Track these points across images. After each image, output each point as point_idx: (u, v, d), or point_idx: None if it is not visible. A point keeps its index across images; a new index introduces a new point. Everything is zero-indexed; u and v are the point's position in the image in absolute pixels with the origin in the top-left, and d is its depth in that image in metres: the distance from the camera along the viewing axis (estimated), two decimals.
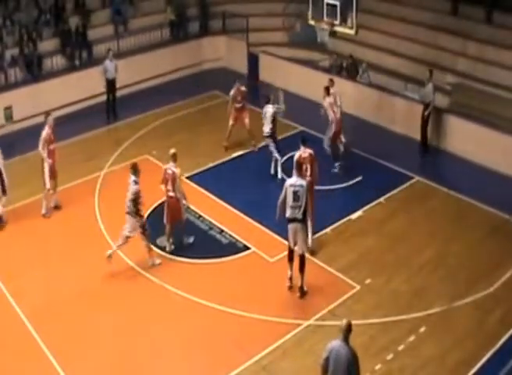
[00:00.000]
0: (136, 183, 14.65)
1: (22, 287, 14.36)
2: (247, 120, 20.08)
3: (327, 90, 18.81)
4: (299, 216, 13.70)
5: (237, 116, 20.11)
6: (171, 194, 15.37)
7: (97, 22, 25.58)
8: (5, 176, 16.55)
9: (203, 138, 20.69)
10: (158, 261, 15.08)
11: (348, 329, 9.96)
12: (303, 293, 14.00)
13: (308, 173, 15.34)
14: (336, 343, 9.98)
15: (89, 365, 12.33)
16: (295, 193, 13.58)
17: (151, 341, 12.83)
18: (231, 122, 20.14)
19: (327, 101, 18.79)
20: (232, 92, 20.15)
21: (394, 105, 21.70)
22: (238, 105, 20.11)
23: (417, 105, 21.01)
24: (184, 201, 15.52)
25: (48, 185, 16.84)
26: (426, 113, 19.95)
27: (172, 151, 15.44)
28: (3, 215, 16.65)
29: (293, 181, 13.71)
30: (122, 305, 13.85)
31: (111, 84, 22.20)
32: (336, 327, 12.92)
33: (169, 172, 15.29)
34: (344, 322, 10.00)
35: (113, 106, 22.47)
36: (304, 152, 15.45)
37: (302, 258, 13.94)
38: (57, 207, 17.29)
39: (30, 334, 12.99)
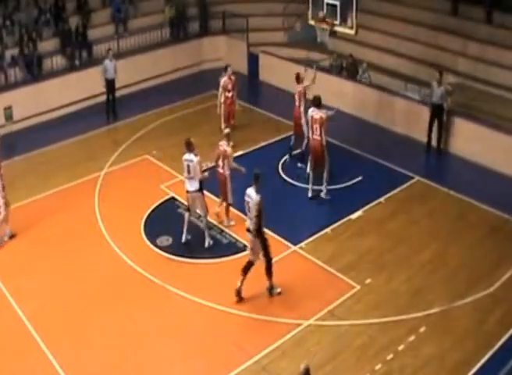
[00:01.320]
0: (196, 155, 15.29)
1: (22, 287, 14.35)
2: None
3: (297, 77, 19.04)
4: (251, 226, 13.65)
5: (228, 106, 20.01)
6: (220, 170, 16.26)
7: (98, 22, 25.57)
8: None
9: (202, 138, 20.55)
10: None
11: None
12: (272, 293, 13.97)
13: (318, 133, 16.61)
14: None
15: (88, 365, 12.32)
16: (247, 203, 13.62)
17: (151, 341, 12.83)
18: (220, 111, 20.19)
19: (297, 89, 19.11)
20: (221, 80, 20.03)
21: (394, 105, 21.66)
22: (228, 95, 19.95)
23: (417, 105, 21.05)
24: (243, 169, 15.99)
25: None
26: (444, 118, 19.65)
27: (226, 131, 16.64)
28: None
29: (247, 191, 13.65)
30: (123, 306, 13.84)
31: (110, 84, 22.18)
32: (336, 327, 13.14)
33: (221, 149, 16.10)
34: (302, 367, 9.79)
35: (113, 106, 22.47)
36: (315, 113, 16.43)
37: (267, 264, 13.85)
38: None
39: (30, 334, 12.98)
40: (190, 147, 15.27)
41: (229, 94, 20.04)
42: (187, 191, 15.57)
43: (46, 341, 12.77)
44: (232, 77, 20.11)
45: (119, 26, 25.76)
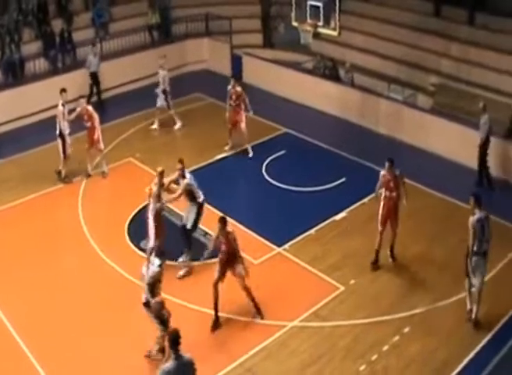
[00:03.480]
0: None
1: (4, 291, 14.27)
2: (243, 125, 19.71)
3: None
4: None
5: (233, 117, 19.72)
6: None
7: (80, 25, 25.50)
8: None
9: (186, 140, 20.66)
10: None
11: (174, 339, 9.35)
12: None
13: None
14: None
15: (73, 369, 12.26)
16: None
17: (135, 343, 12.77)
18: (229, 126, 19.89)
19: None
20: (228, 89, 19.85)
21: (378, 106, 21.72)
22: (233, 104, 19.68)
23: (400, 105, 21.13)
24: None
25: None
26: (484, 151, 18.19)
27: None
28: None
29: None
30: (106, 308, 13.78)
31: (93, 77, 22.79)
32: (321, 329, 13.13)
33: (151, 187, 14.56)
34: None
35: (98, 98, 23.06)
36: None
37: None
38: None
39: (13, 339, 12.90)
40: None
41: (234, 104, 19.69)
42: None
43: (29, 345, 12.69)
44: (237, 88, 19.74)
45: (100, 29, 25.69)
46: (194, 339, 12.83)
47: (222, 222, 12.95)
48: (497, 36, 22.03)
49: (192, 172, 18.82)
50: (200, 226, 16.08)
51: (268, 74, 24.83)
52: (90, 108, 18.54)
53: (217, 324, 13.24)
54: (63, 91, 18.40)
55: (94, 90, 23.14)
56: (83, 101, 18.66)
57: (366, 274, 14.72)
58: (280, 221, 16.79)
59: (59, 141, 18.37)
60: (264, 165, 19.16)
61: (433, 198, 17.70)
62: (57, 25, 24.46)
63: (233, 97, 19.42)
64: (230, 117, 19.67)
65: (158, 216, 14.26)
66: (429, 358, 12.34)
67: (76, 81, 22.66)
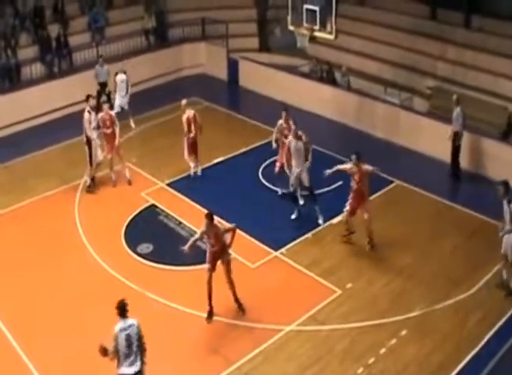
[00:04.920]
0: None
1: (1, 295, 14.25)
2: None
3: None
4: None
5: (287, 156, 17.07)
6: None
7: (76, 29, 25.54)
8: None
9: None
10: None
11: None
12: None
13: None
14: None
15: (68, 371, 12.31)
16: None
17: None
18: (283, 162, 17.46)
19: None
20: (279, 123, 17.50)
21: (374, 109, 21.74)
22: (283, 140, 17.19)
23: (396, 109, 21.16)
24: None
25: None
26: (457, 144, 18.64)
27: None
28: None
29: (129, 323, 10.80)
30: (102, 313, 13.69)
31: (101, 87, 22.73)
32: (318, 332, 13.13)
33: None
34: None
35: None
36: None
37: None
38: None
39: (8, 342, 12.91)
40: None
41: (284, 139, 17.15)
42: None
43: (25, 349, 12.69)
44: (291, 122, 17.06)
45: (96, 34, 25.71)
46: (192, 343, 12.90)
47: (209, 218, 13.10)
48: (493, 39, 22.10)
49: (189, 175, 18.99)
50: (197, 230, 16.15)
51: (265, 78, 24.86)
52: (112, 113, 18.46)
53: (211, 315, 13.51)
54: (89, 96, 18.27)
55: (104, 98, 22.35)
56: (106, 106, 18.43)
57: (363, 278, 14.72)
58: (277, 225, 16.78)
59: (86, 149, 18.15)
60: (261, 169, 19.15)
61: (428, 201, 17.71)
62: (53, 30, 24.45)
63: (285, 131, 16.95)
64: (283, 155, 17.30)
65: None
66: (426, 362, 12.35)
67: (72, 86, 22.68)
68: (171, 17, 27.77)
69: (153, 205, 17.52)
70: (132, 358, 10.70)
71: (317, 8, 19.43)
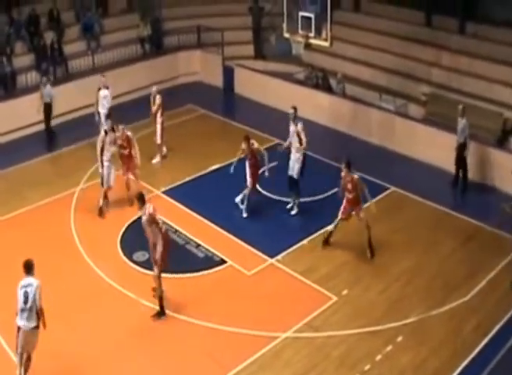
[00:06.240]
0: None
1: None
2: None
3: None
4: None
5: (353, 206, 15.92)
6: None
7: (71, 37, 25.58)
8: None
9: (178, 152, 20.64)
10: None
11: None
12: None
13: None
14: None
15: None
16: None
17: (126, 356, 12.76)
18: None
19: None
20: (342, 175, 15.76)
21: (369, 115, 21.79)
22: (349, 196, 15.65)
23: (392, 115, 21.21)
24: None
25: None
26: (465, 155, 18.42)
27: None
28: None
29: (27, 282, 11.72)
30: (98, 321, 13.74)
31: (47, 108, 21.45)
32: (314, 339, 13.12)
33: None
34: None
35: (48, 131, 21.88)
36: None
37: None
38: None
39: (3, 349, 12.91)
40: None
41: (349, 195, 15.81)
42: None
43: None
44: (355, 177, 15.67)
45: (92, 41, 25.72)
46: (187, 350, 12.88)
47: (247, 139, 16.97)
48: (487, 45, 22.18)
49: (185, 183, 19.02)
50: (193, 237, 16.21)
51: (260, 85, 24.90)
52: (129, 134, 17.75)
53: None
54: (109, 116, 18.16)
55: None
56: (122, 127, 17.73)
57: (359, 284, 14.73)
58: (273, 232, 16.80)
59: (100, 169, 17.70)
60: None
61: (424, 207, 17.73)
62: (49, 37, 24.42)
63: (349, 186, 15.60)
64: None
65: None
66: (421, 368, 12.34)
67: (67, 94, 22.65)
68: (166, 25, 27.81)
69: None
70: (26, 314, 11.52)
71: (312, 16, 19.44)
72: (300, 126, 17.08)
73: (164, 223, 14.05)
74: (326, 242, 16.05)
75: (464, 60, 22.45)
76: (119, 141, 17.67)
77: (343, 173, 15.50)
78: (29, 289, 11.61)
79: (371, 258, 15.61)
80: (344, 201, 15.62)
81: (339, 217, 15.71)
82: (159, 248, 13.34)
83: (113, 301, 14.33)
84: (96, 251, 15.92)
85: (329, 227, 16.03)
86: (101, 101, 21.02)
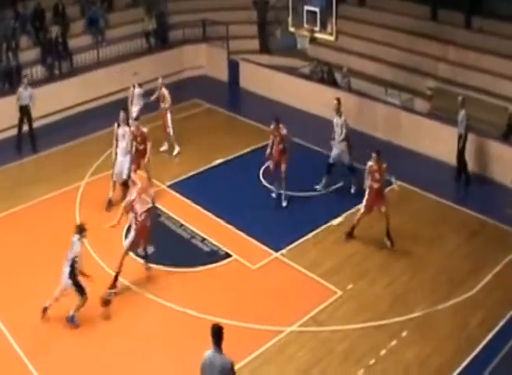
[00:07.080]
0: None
1: (2, 298, 14.23)
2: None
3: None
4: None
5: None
6: None
7: (77, 31, 25.59)
8: None
9: (184, 146, 20.62)
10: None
11: (216, 335, 9.48)
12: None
13: None
14: (208, 353, 9.56)
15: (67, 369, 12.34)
16: None
17: (131, 349, 12.80)
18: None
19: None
20: (369, 165, 15.94)
21: (375, 110, 21.75)
22: (375, 186, 15.81)
23: (397, 110, 21.17)
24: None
25: None
26: (460, 146, 18.52)
27: None
28: None
29: None
30: (101, 315, 13.75)
31: (23, 111, 20.75)
32: (319, 333, 13.12)
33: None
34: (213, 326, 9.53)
35: (30, 135, 21.09)
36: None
37: None
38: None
39: (11, 347, 12.89)
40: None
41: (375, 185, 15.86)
42: None
43: (27, 353, 12.68)
44: (384, 165, 15.80)
45: (97, 35, 25.71)
46: (191, 345, 12.86)
47: (276, 120, 17.36)
48: (493, 39, 22.09)
49: (191, 177, 19.03)
50: (198, 232, 16.22)
51: (265, 80, 24.87)
52: (145, 130, 17.51)
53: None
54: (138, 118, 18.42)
55: (25, 122, 20.98)
56: (136, 122, 17.68)
57: (364, 279, 14.73)
58: (277, 226, 16.80)
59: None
60: (262, 170, 19.14)
61: (430, 202, 17.71)
62: (54, 32, 24.43)
63: (376, 175, 15.64)
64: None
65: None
66: (426, 363, 12.35)
67: (72, 88, 22.66)
68: (171, 19, 27.80)
69: (153, 207, 17.48)
70: None
71: (317, 10, 19.42)
72: (343, 118, 17.85)
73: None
74: (350, 235, 16.07)
75: (470, 55, 22.35)
76: (139, 139, 17.48)
77: (370, 162, 15.58)
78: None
79: (392, 247, 15.68)
80: (368, 192, 15.67)
81: (362, 211, 15.74)
82: (133, 232, 14.40)
83: (118, 295, 14.32)
84: (101, 245, 15.89)
85: (335, 222, 16.09)
86: (136, 100, 20.83)
